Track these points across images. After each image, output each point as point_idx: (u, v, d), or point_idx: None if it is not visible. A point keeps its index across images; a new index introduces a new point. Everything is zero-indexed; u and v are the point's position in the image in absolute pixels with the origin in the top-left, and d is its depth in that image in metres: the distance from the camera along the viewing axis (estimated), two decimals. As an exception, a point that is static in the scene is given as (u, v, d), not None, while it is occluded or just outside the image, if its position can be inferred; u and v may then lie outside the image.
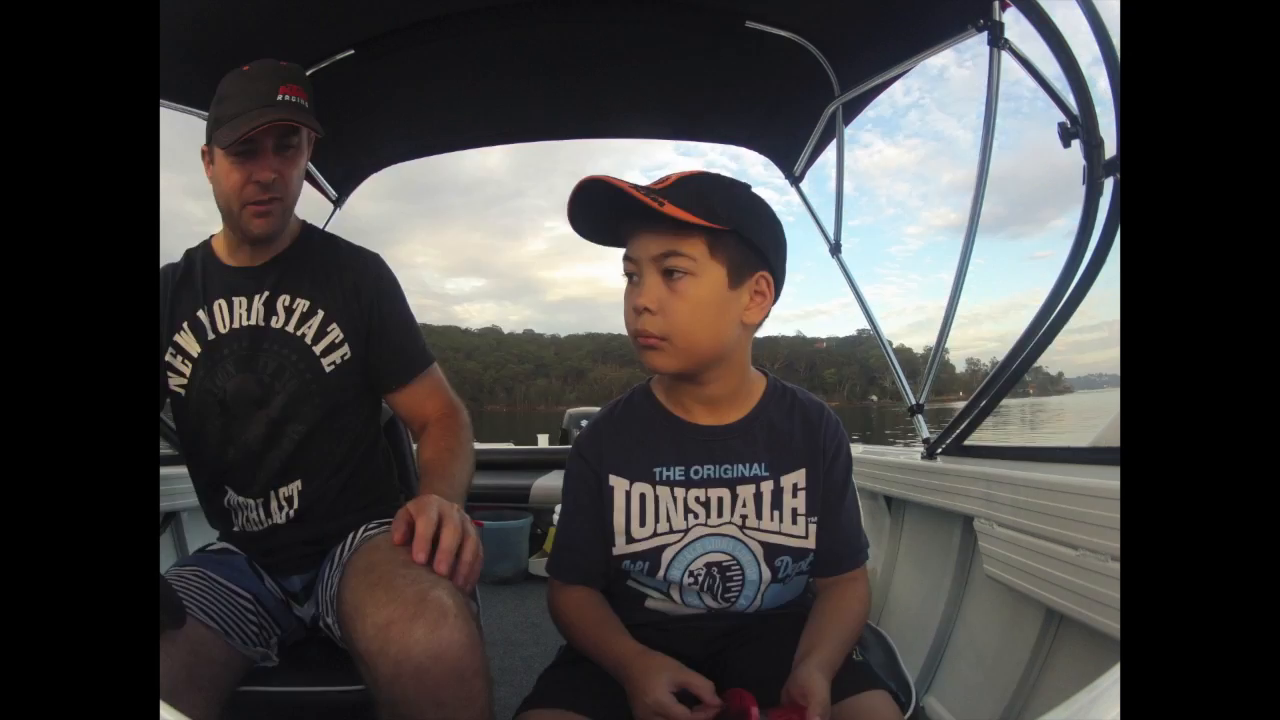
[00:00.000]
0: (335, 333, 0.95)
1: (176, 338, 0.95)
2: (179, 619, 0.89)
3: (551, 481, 2.48)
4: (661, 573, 0.76)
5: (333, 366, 0.95)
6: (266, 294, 0.94)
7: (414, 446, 1.24)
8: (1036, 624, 1.16)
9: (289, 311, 0.95)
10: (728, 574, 0.76)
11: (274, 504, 0.96)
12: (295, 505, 0.96)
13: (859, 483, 1.16)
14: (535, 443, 4.18)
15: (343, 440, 0.99)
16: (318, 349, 0.95)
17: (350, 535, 0.96)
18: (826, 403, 0.84)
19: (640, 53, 1.79)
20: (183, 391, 0.94)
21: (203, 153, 0.94)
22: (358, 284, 0.97)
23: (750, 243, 0.69)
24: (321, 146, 2.07)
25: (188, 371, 0.94)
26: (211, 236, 1.01)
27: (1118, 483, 0.93)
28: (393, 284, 1.01)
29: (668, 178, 0.69)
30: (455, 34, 1.62)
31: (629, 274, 0.71)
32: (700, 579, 0.76)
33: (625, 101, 2.08)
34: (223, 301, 0.95)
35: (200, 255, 1.00)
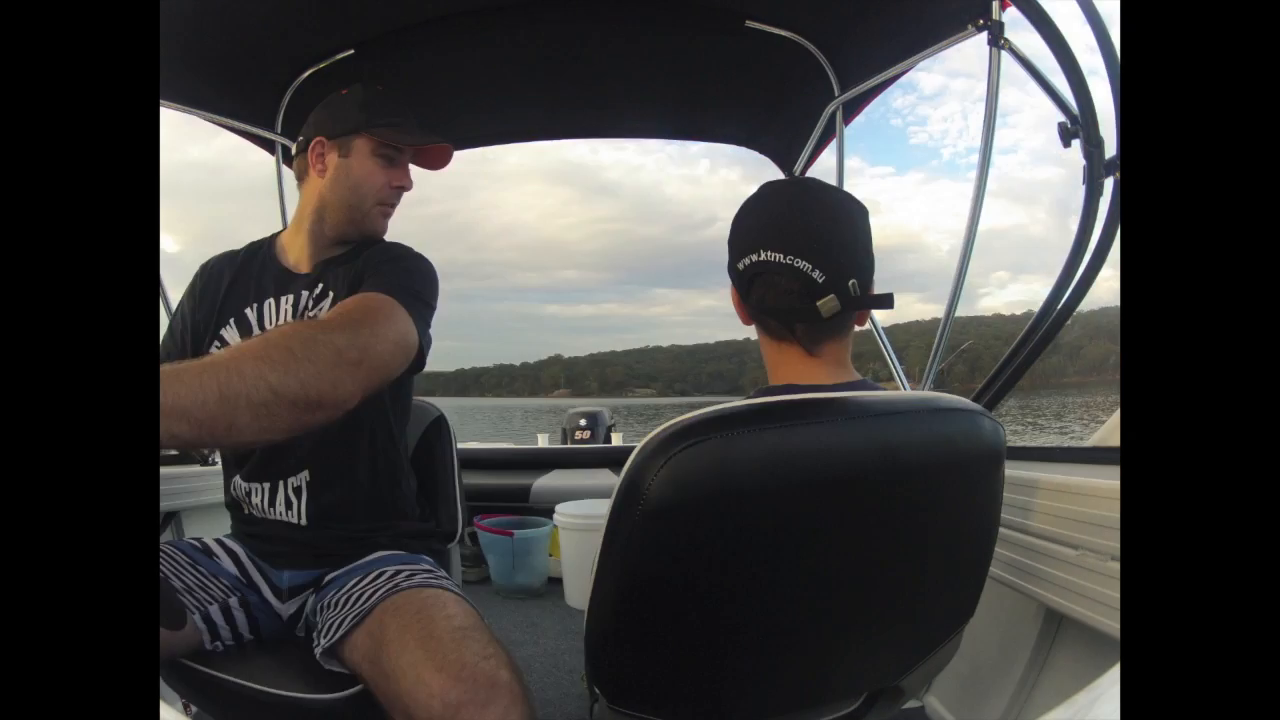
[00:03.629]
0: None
1: (223, 331, 0.96)
2: (179, 620, 0.89)
3: (551, 481, 2.48)
4: None
5: None
6: (306, 294, 0.95)
7: (453, 470, 1.24)
8: (1036, 624, 1.16)
9: (316, 301, 0.96)
10: None
11: (280, 494, 0.97)
12: (303, 498, 0.96)
13: None
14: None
15: (357, 440, 0.97)
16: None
17: (365, 564, 0.93)
18: None
19: (640, 52, 1.79)
20: None
21: (314, 146, 0.96)
22: (366, 260, 0.95)
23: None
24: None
25: None
26: (278, 234, 1.03)
27: (1118, 483, 0.94)
28: (399, 255, 0.97)
29: None
30: (455, 34, 1.63)
31: None
32: None
33: (625, 101, 2.08)
34: (271, 300, 0.96)
35: (263, 252, 1.01)
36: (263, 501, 0.97)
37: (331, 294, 0.95)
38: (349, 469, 0.97)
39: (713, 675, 0.70)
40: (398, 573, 0.89)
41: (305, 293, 0.96)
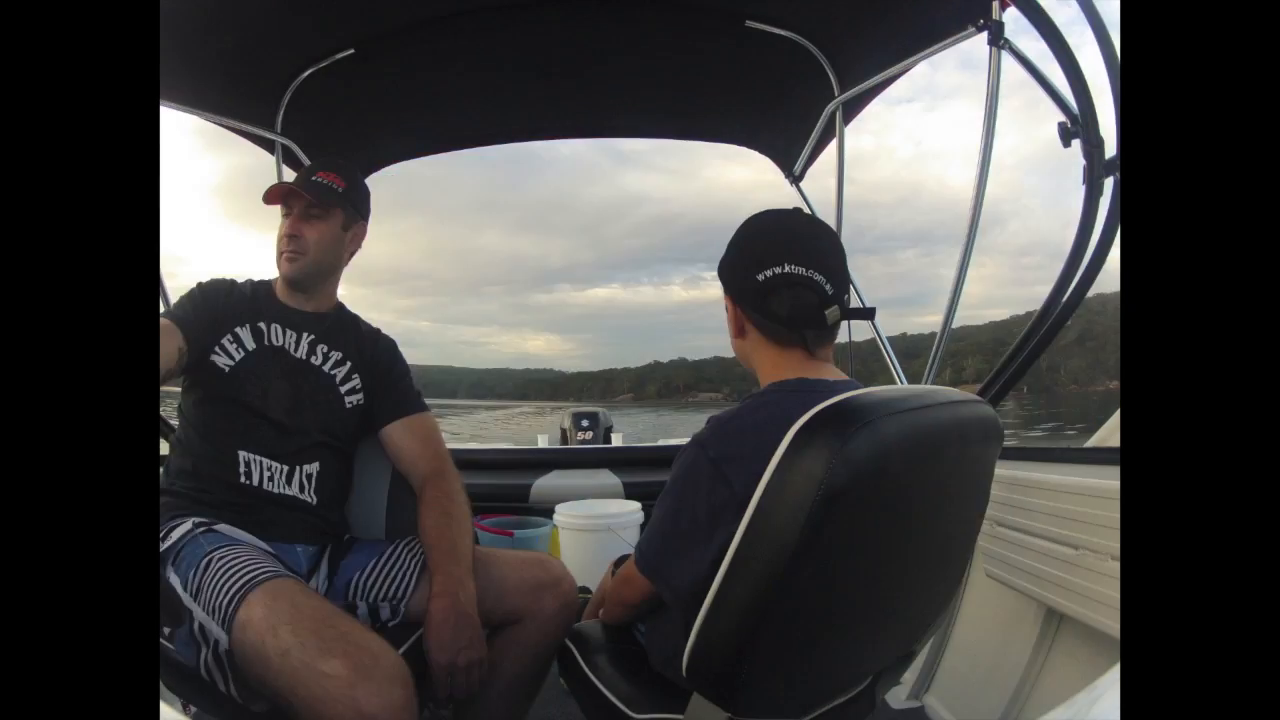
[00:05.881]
0: (355, 380, 1.19)
1: (236, 329, 1.11)
2: (180, 620, 0.89)
3: (551, 481, 2.48)
4: None
5: (350, 405, 1.18)
6: (311, 338, 1.17)
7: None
8: (1036, 624, 1.16)
9: (326, 357, 1.18)
10: None
11: (297, 476, 1.12)
12: (313, 483, 1.13)
13: None
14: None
15: (349, 454, 1.22)
16: (343, 389, 1.18)
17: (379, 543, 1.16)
18: None
19: (640, 52, 1.79)
20: (227, 369, 1.09)
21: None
22: (374, 352, 1.23)
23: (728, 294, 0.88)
24: (321, 146, 2.08)
25: (239, 356, 1.10)
26: (273, 280, 1.21)
27: (1118, 483, 0.94)
28: (399, 355, 1.27)
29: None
30: (455, 34, 1.63)
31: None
32: None
33: (625, 101, 2.08)
34: (278, 325, 1.15)
35: (260, 288, 1.19)
36: (277, 478, 1.09)
37: (349, 363, 1.19)
38: (345, 471, 1.20)
39: (818, 665, 0.74)
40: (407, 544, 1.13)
41: (311, 339, 1.17)
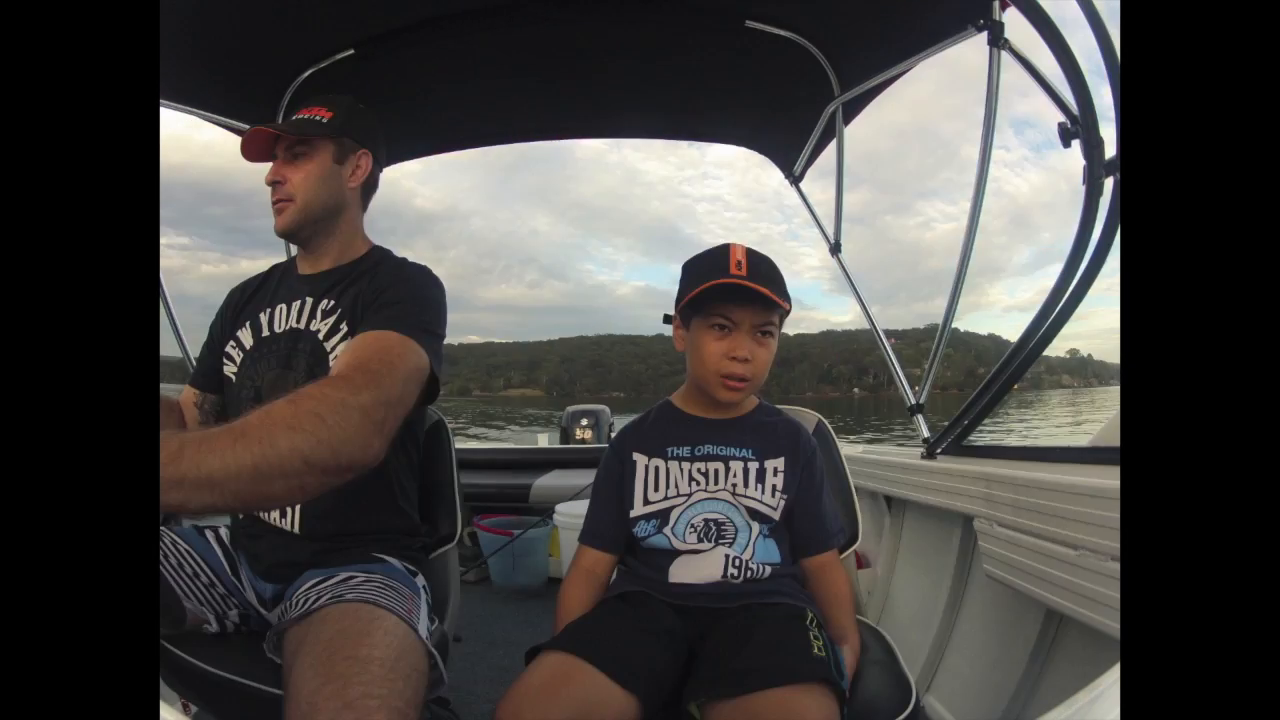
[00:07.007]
0: (343, 327, 0.97)
1: (238, 332, 1.03)
2: (179, 621, 0.89)
3: (551, 481, 2.48)
4: (669, 528, 0.93)
5: (333, 356, 0.95)
6: (311, 300, 1.01)
7: (452, 473, 1.16)
8: (1036, 624, 1.16)
9: (324, 314, 0.99)
10: (722, 529, 0.93)
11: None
12: (297, 509, 0.94)
13: (858, 482, 1.21)
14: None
15: None
16: (329, 345, 0.96)
17: (329, 574, 0.87)
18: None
19: (640, 53, 1.79)
20: (233, 378, 1.02)
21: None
22: (370, 284, 0.97)
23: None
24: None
25: (239, 360, 1.02)
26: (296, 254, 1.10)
27: (1118, 483, 0.94)
28: (405, 278, 0.97)
29: (743, 257, 0.89)
30: (455, 34, 1.63)
31: (721, 326, 0.90)
32: (699, 530, 0.93)
33: (625, 101, 2.08)
34: (282, 305, 1.02)
35: (283, 267, 1.11)
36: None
37: (339, 310, 0.98)
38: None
39: None
40: (350, 578, 0.85)
41: (312, 301, 1.00)
